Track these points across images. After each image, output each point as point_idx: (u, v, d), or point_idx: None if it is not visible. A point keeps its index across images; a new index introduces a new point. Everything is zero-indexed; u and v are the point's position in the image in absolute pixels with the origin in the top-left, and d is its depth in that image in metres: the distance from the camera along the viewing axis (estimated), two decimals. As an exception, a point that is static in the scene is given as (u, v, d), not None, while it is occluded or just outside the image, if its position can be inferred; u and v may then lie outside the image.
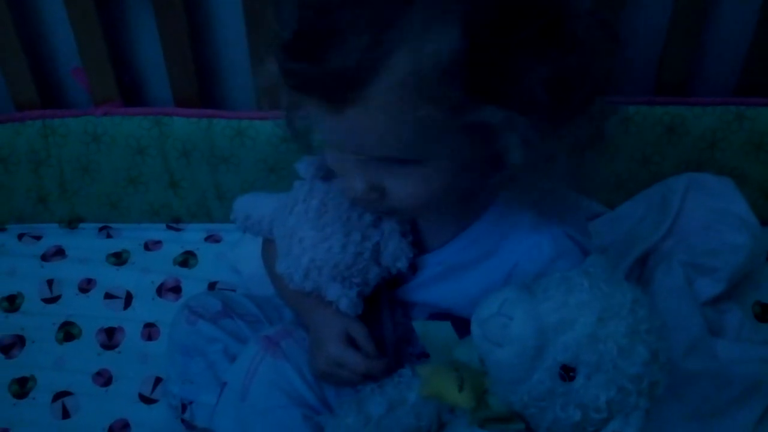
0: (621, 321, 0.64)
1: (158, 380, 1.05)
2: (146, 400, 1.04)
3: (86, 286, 1.18)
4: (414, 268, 0.81)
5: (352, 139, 0.66)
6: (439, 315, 0.81)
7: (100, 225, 1.26)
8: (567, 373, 0.64)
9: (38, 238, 1.24)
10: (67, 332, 1.12)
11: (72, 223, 1.26)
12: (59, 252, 1.22)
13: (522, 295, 0.65)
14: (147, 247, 1.23)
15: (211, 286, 1.16)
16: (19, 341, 1.11)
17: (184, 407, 0.95)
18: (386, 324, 0.85)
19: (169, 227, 1.26)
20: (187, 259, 1.21)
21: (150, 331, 1.12)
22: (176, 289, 1.17)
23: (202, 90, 1.20)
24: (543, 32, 0.62)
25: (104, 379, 1.07)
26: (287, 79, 0.65)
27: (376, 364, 0.80)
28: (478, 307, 0.67)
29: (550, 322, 0.64)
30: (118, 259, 1.21)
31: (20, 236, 1.25)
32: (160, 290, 1.17)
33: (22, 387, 1.06)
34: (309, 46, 0.62)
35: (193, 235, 1.24)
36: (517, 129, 0.63)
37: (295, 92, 0.66)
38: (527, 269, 0.74)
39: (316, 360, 0.82)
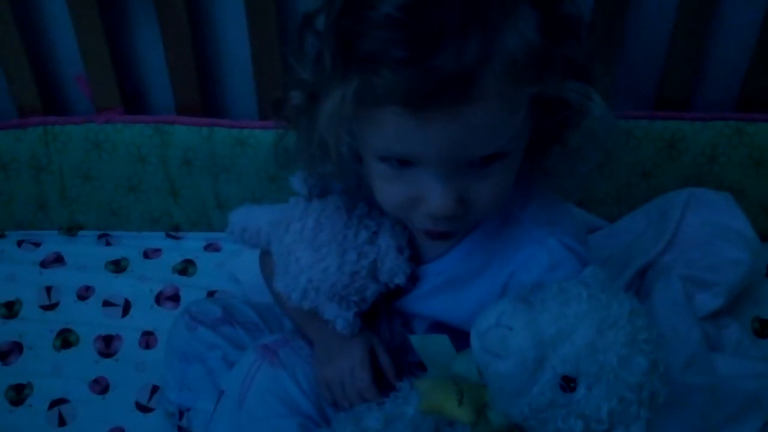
0: (620, 331, 0.64)
1: (155, 388, 1.05)
2: (143, 408, 1.04)
3: (85, 293, 1.17)
4: (413, 278, 0.81)
5: (463, 141, 0.62)
6: (438, 326, 0.81)
7: (100, 232, 1.26)
8: (568, 384, 0.64)
9: (37, 244, 1.24)
10: (65, 339, 1.12)
11: (71, 230, 1.26)
12: (58, 259, 1.22)
13: (520, 307, 0.65)
14: (146, 255, 1.23)
15: (210, 294, 1.16)
16: (17, 348, 1.11)
17: (181, 414, 0.95)
18: (384, 335, 0.85)
19: (168, 235, 1.26)
20: (186, 268, 1.21)
21: (148, 339, 1.12)
22: (175, 298, 1.17)
23: (204, 98, 1.20)
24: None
25: (101, 386, 1.07)
26: (383, 102, 0.60)
27: (375, 395, 0.80)
28: (476, 319, 0.67)
29: (549, 333, 0.64)
30: (117, 266, 1.21)
31: (19, 243, 1.25)
32: (159, 298, 1.17)
33: (18, 394, 1.06)
34: (414, 53, 0.58)
35: (192, 244, 1.24)
36: (590, 95, 0.64)
37: (384, 118, 0.61)
38: (523, 280, 0.73)
39: (324, 369, 0.82)
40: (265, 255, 0.89)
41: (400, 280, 0.79)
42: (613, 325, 0.64)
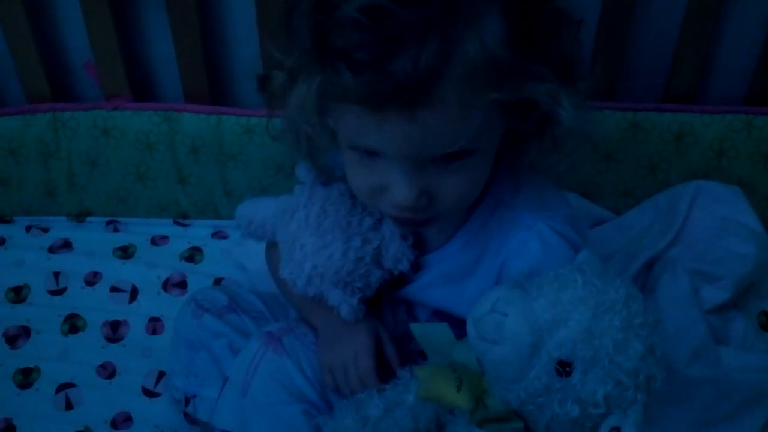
0: (615, 315, 0.64)
1: (161, 374, 1.06)
2: (149, 393, 1.05)
3: (92, 279, 1.18)
4: (416, 267, 0.82)
5: (421, 141, 0.64)
6: (441, 314, 0.82)
7: (108, 219, 1.27)
8: (563, 368, 0.64)
9: (46, 230, 1.25)
10: (72, 324, 1.13)
11: (80, 216, 1.27)
12: (66, 245, 1.23)
13: (515, 293, 0.66)
14: (153, 241, 1.23)
15: (217, 281, 1.17)
16: (25, 332, 1.12)
17: (187, 401, 0.96)
18: (387, 322, 0.86)
19: (176, 223, 1.26)
20: (193, 255, 1.21)
21: (155, 325, 1.12)
22: (182, 284, 1.17)
23: (212, 86, 1.21)
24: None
25: (108, 371, 1.08)
26: (343, 99, 0.63)
27: (376, 382, 0.80)
28: (472, 307, 0.67)
29: (544, 318, 0.64)
30: (125, 253, 1.22)
31: (28, 228, 1.25)
32: (166, 285, 1.17)
33: (26, 377, 1.07)
34: (373, 56, 0.60)
35: (199, 231, 1.25)
36: (559, 100, 0.65)
37: (348, 112, 0.63)
38: (515, 266, 0.74)
39: (328, 354, 0.83)
40: (271, 247, 0.90)
41: (404, 266, 0.79)
42: (608, 310, 0.64)
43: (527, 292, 0.66)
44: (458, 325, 0.72)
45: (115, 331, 1.12)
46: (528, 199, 0.76)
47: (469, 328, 0.67)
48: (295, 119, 0.70)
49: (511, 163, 0.73)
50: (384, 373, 0.81)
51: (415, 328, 0.74)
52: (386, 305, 0.87)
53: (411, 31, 0.59)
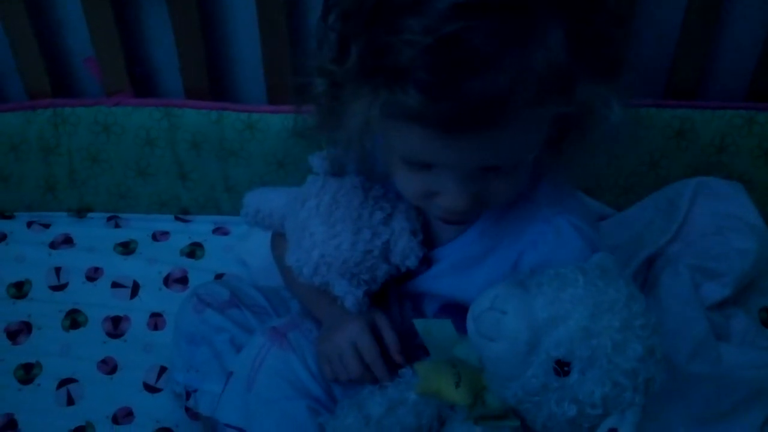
0: (615, 316, 0.64)
1: (163, 369, 1.06)
2: (150, 388, 1.05)
3: (93, 274, 1.18)
4: (428, 261, 0.82)
5: (482, 155, 0.65)
6: (449, 306, 0.82)
7: (109, 215, 1.27)
8: (561, 367, 0.64)
9: (47, 226, 1.25)
10: (74, 320, 1.13)
11: (81, 212, 1.27)
12: (67, 240, 1.23)
13: (514, 291, 0.66)
14: (155, 237, 1.23)
15: (218, 277, 1.17)
16: (26, 328, 1.12)
17: (188, 395, 0.96)
18: (394, 317, 0.86)
19: (177, 218, 1.26)
20: (194, 251, 1.21)
21: (156, 320, 1.13)
22: (183, 280, 1.17)
23: (213, 82, 1.20)
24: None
25: (109, 367, 1.08)
26: (409, 119, 0.62)
27: (381, 365, 0.80)
28: (473, 303, 0.68)
29: (542, 317, 0.64)
30: (126, 248, 1.22)
31: (29, 224, 1.25)
32: (167, 280, 1.17)
33: (27, 373, 1.07)
34: (446, 79, 0.59)
35: (200, 227, 1.25)
36: (610, 103, 0.66)
37: (408, 131, 0.63)
38: (532, 259, 0.75)
39: (324, 344, 0.83)
40: (278, 237, 0.90)
41: (411, 263, 0.80)
42: (608, 310, 0.64)
43: (527, 290, 0.66)
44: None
45: (116, 326, 1.12)
46: (547, 193, 0.77)
47: (469, 324, 0.67)
48: (353, 131, 0.68)
49: (545, 153, 0.73)
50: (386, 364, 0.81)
51: (419, 324, 0.74)
52: (393, 301, 0.87)
53: (484, 53, 0.59)
